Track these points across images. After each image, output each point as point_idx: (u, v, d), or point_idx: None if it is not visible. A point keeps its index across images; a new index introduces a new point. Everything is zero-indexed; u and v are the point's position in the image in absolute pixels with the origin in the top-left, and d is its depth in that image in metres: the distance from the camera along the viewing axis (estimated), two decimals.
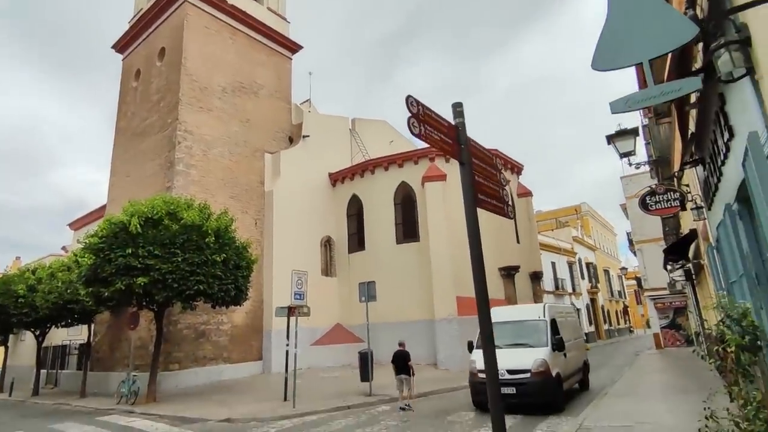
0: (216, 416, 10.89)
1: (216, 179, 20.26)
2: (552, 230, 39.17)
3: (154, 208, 13.43)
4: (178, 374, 17.14)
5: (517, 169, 25.44)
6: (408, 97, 2.94)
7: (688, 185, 9.09)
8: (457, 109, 3.35)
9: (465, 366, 11.35)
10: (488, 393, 3.19)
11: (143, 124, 21.75)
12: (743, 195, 3.84)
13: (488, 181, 3.58)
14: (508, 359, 9.00)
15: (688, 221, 10.93)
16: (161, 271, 12.63)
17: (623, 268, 42.86)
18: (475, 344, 10.29)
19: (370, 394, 12.32)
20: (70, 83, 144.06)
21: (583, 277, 39.22)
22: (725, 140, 3.93)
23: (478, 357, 9.52)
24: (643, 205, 9.41)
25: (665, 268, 14.98)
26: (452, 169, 20.04)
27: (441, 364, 18.15)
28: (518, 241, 23.27)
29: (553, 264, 33.63)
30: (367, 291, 13.23)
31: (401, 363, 10.72)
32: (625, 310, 50.46)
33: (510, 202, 3.84)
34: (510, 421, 8.01)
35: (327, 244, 23.98)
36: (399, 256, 21.28)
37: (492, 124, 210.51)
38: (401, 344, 11.19)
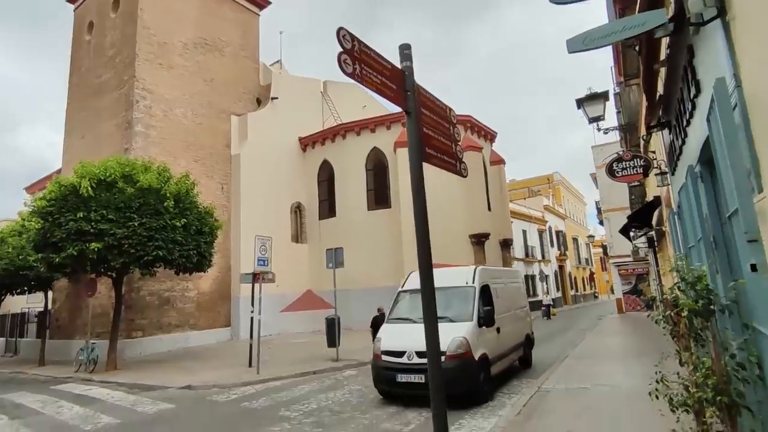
0: (177, 383, 10.64)
1: (178, 141, 19.33)
2: (524, 199, 39.58)
3: (107, 170, 12.68)
4: (142, 341, 16.79)
5: (490, 136, 25.21)
6: (340, 30, 2.46)
7: (654, 151, 9.03)
8: (405, 51, 2.97)
9: None
10: (429, 373, 2.80)
11: (98, 81, 20.38)
12: (706, 156, 3.67)
13: (439, 135, 3.26)
14: (419, 338, 6.67)
15: (654, 189, 10.98)
16: (116, 236, 12.05)
17: (591, 236, 44.09)
18: (387, 317, 8.67)
19: (336, 360, 12.29)
20: (21, 33, 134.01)
21: (552, 245, 40.10)
22: (691, 97, 3.71)
23: (385, 335, 7.99)
24: (610, 171, 9.36)
25: (623, 234, 15.11)
26: None
27: None
28: (489, 209, 23.33)
29: (524, 232, 34.12)
30: (335, 257, 12.99)
31: (379, 328, 10.75)
32: (591, 276, 52.24)
33: (463, 159, 3.54)
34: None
35: (297, 210, 23.53)
36: (370, 222, 21.07)
37: (470, 94, 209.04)
38: (380, 310, 11.24)
